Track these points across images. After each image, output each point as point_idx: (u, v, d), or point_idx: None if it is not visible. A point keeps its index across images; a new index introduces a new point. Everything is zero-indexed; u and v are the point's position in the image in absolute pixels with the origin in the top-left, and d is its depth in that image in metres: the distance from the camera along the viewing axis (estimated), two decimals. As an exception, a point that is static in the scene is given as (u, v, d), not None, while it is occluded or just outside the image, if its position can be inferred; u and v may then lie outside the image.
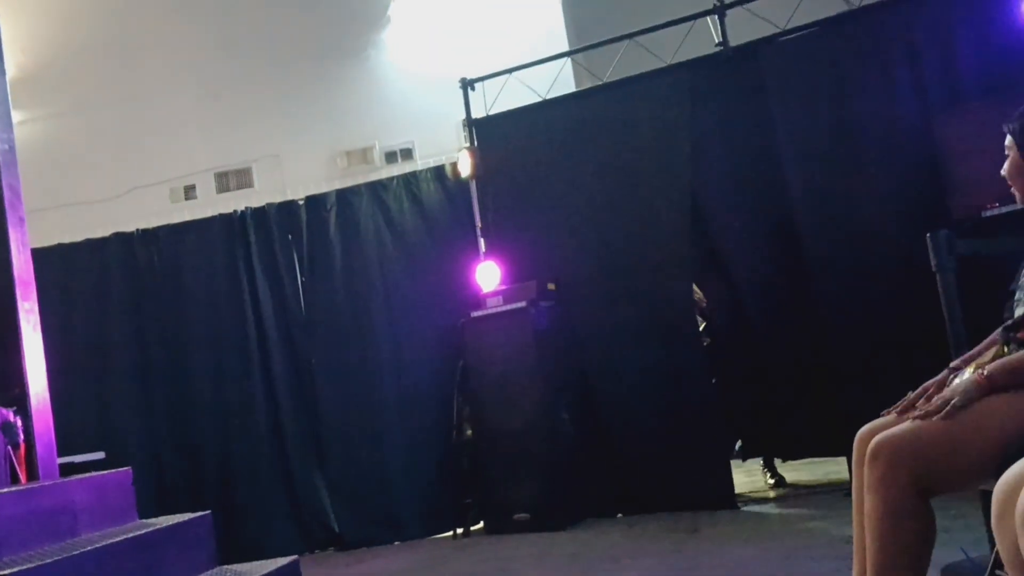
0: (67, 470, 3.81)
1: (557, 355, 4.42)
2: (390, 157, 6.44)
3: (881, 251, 3.91)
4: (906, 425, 1.72)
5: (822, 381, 4.06)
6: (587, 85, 5.08)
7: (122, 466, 4.77)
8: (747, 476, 4.87)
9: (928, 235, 2.27)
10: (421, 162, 6.01)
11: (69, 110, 6.75)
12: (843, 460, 3.94)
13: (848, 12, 4.11)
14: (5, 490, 2.35)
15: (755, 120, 4.29)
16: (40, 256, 5.25)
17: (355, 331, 4.82)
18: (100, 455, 4.65)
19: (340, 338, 4.86)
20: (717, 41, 4.37)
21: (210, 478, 4.77)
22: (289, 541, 4.58)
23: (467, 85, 4.99)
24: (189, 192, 6.68)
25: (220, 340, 4.86)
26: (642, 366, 4.40)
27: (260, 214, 4.99)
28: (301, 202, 4.99)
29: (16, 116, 6.63)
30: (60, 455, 4.58)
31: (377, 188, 4.98)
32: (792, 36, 4.23)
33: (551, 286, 4.53)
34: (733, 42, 4.34)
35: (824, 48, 4.17)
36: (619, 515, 4.35)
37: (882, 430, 1.81)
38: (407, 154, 6.39)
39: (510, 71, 4.93)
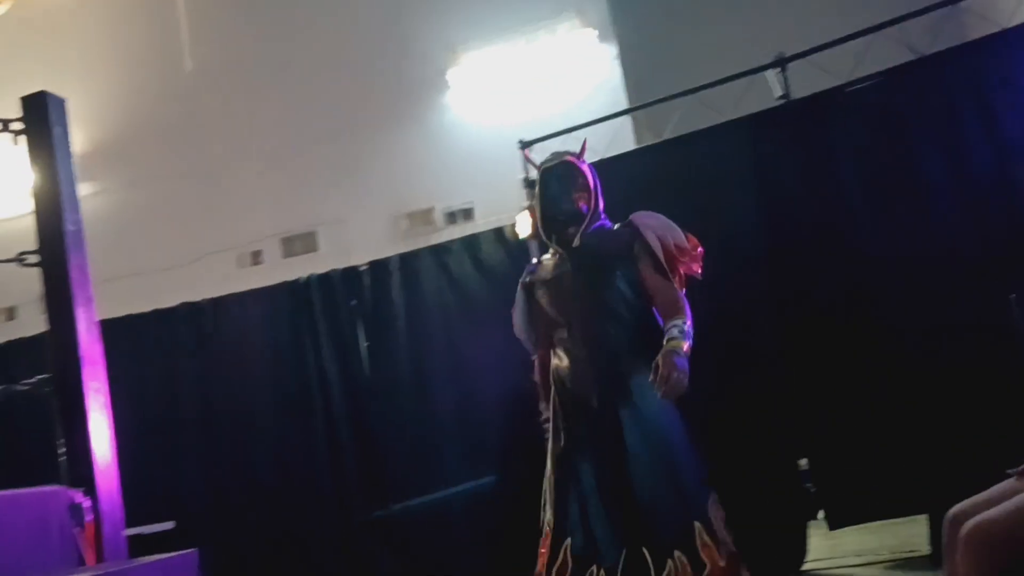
0: (136, 542, 3.83)
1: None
2: (450, 218, 6.48)
3: (958, 312, 3.74)
4: (1003, 508, 1.63)
5: (898, 444, 3.88)
6: (647, 142, 5.05)
7: (191, 535, 4.81)
8: (825, 540, 4.67)
9: (1012, 296, 2.16)
10: (482, 221, 6.03)
11: (141, 181, 6.95)
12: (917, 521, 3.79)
13: (914, 61, 4.00)
14: (71, 574, 2.36)
15: (821, 174, 4.18)
16: (111, 326, 5.40)
17: (419, 393, 4.80)
18: (170, 525, 4.68)
19: (404, 400, 4.84)
20: (779, 94, 4.30)
21: (273, 546, 4.76)
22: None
23: (525, 146, 4.99)
24: (256, 257, 6.79)
25: (285, 405, 4.88)
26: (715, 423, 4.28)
27: (324, 280, 5.03)
28: (364, 267, 5.02)
29: (90, 187, 6.96)
30: (130, 524, 4.64)
31: (439, 251, 4.99)
32: (856, 87, 4.13)
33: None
34: (796, 95, 4.27)
35: (890, 99, 4.05)
36: None
37: (973, 512, 1.71)
38: (467, 214, 6.42)
39: (567, 131, 4.91)
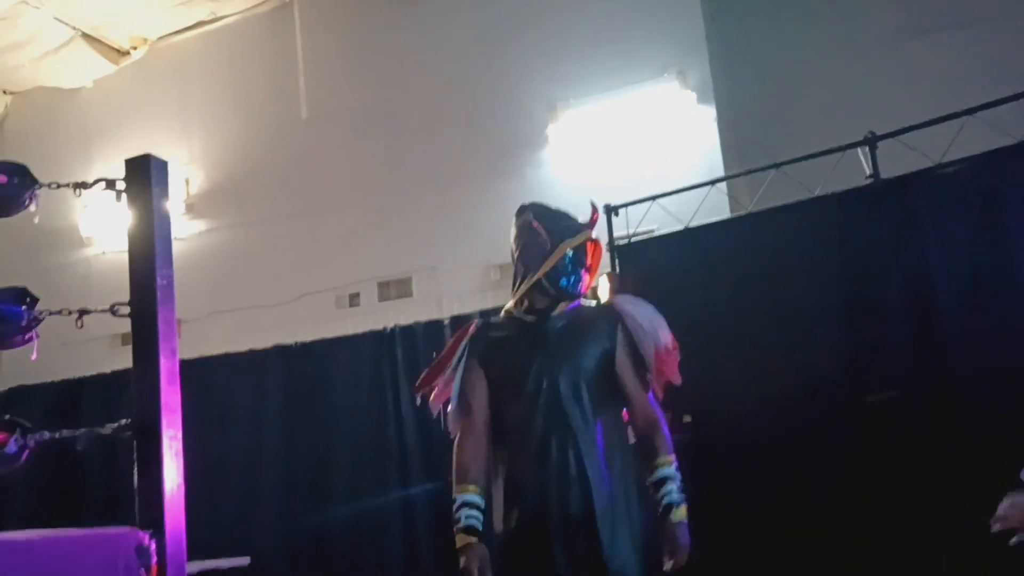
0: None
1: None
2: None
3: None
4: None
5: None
6: (737, 213, 5.02)
7: (267, 571, 5.00)
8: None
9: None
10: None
11: (251, 221, 7.29)
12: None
13: (1009, 147, 3.89)
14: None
15: (907, 256, 4.09)
16: (207, 363, 5.72)
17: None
18: (245, 560, 4.89)
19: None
20: (868, 173, 4.24)
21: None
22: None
23: (611, 211, 5.05)
24: (353, 300, 6.99)
25: (363, 453, 5.03)
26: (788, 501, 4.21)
27: (408, 332, 5.20)
28: (446, 322, 5.16)
29: (205, 225, 7.34)
30: (208, 556, 4.84)
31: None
32: (948, 169, 4.04)
33: (687, 419, 4.42)
34: (884, 174, 4.20)
35: (982, 182, 3.95)
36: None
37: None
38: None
39: (654, 198, 4.96)
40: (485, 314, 5.16)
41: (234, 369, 5.47)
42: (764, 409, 4.34)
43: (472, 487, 2.54)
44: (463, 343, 2.66)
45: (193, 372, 5.54)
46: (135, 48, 7.84)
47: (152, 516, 3.09)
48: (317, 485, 5.05)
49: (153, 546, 3.01)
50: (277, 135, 7.38)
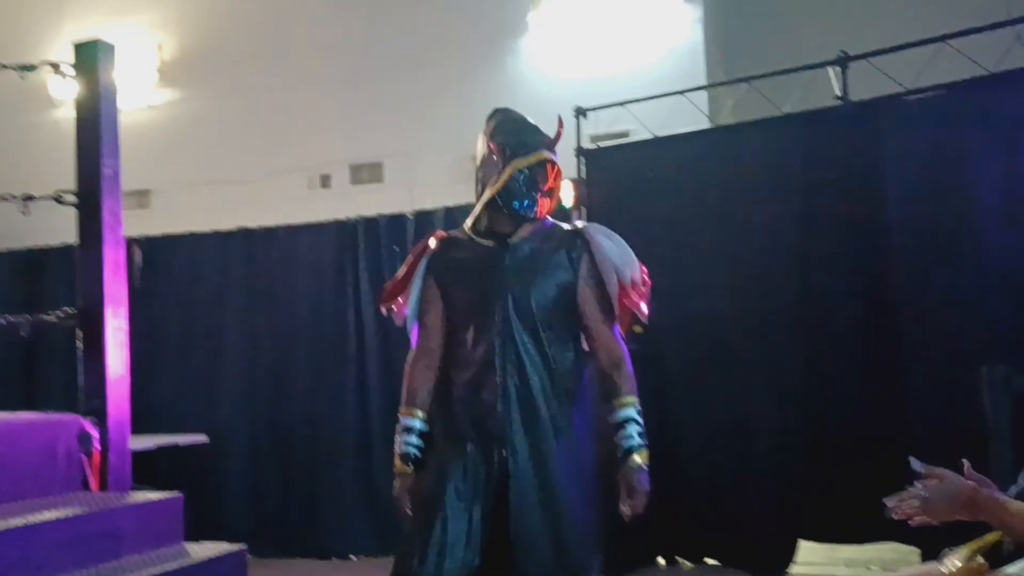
0: (150, 464, 4.11)
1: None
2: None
3: (984, 333, 3.68)
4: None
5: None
6: (704, 126, 4.97)
7: (223, 450, 5.16)
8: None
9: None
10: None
11: (224, 92, 7.13)
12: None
13: (981, 78, 3.83)
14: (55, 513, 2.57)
15: (868, 180, 4.09)
16: (173, 242, 5.73)
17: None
18: (203, 438, 5.03)
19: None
20: (837, 94, 4.18)
21: (298, 470, 5.07)
22: (366, 544, 4.82)
23: (580, 113, 4.98)
24: (325, 181, 6.94)
25: (322, 341, 5.12)
26: (727, 421, 4.35)
27: (371, 224, 5.19)
28: (411, 216, 5.15)
29: (169, 95, 7.20)
30: (170, 431, 4.97)
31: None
32: (917, 96, 3.99)
33: (637, 329, 4.48)
34: (854, 97, 4.15)
35: (949, 112, 3.91)
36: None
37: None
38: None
39: (625, 103, 4.89)
40: (454, 211, 5.17)
41: (199, 249, 5.50)
42: (719, 322, 4.42)
43: (418, 411, 2.46)
44: (422, 261, 2.52)
45: (159, 250, 5.62)
46: (106, -98, 7.49)
47: (95, 404, 3.18)
48: (276, 371, 5.15)
49: (96, 433, 3.11)
50: (251, 4, 7.15)
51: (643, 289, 2.46)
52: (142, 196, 7.07)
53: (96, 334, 3.19)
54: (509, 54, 6.52)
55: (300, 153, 6.89)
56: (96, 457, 3.04)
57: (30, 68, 3.04)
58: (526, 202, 2.42)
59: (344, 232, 5.23)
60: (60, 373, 4.90)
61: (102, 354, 3.18)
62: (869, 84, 4.19)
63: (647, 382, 4.24)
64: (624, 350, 2.45)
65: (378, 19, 6.81)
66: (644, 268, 2.49)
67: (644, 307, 2.46)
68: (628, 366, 2.44)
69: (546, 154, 2.45)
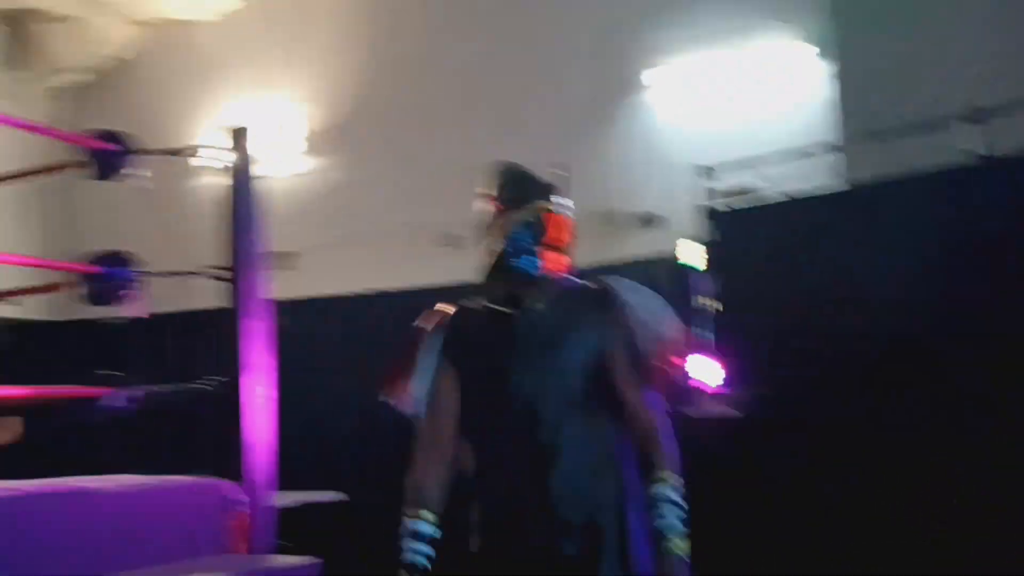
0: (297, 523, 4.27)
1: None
2: (636, 222, 6.46)
3: None
4: None
5: None
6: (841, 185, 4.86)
7: (362, 508, 5.29)
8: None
9: None
10: (665, 232, 6.03)
11: (360, 159, 7.48)
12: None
13: None
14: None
15: (1014, 238, 3.91)
16: (317, 304, 5.99)
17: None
18: (343, 496, 5.17)
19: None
20: (979, 151, 4.03)
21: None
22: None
23: (705, 172, 4.96)
24: (456, 240, 7.10)
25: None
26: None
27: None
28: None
29: (315, 162, 7.56)
30: (311, 488, 5.14)
31: (610, 270, 5.08)
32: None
33: (767, 394, 4.40)
34: (997, 152, 3.99)
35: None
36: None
37: None
38: (654, 221, 6.39)
39: (753, 161, 4.84)
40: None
41: (343, 310, 5.74)
42: (853, 386, 4.26)
43: (427, 512, 2.15)
44: (434, 336, 2.32)
45: (304, 312, 5.89)
46: (260, -15, 8.02)
47: (240, 469, 3.36)
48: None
49: (241, 497, 3.27)
50: (386, 74, 7.48)
51: (681, 347, 2.26)
52: (288, 258, 7.43)
53: (243, 401, 3.36)
54: (626, 114, 6.57)
55: (434, 213, 7.10)
56: (241, 520, 3.19)
57: (190, 153, 3.29)
58: (525, 258, 2.26)
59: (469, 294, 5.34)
60: (207, 436, 5.16)
61: (248, 420, 3.35)
62: (1014, 139, 4.02)
63: (760, 451, 4.17)
64: (658, 418, 2.20)
65: (499, 83, 7.00)
66: (681, 325, 2.29)
67: (682, 367, 2.27)
68: (663, 437, 2.17)
69: (541, 204, 2.34)
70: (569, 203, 2.42)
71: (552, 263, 2.29)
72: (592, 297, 2.26)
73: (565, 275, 2.32)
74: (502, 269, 2.29)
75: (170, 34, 8.47)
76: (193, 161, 7.18)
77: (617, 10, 6.57)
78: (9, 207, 7.89)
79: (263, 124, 7.46)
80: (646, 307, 2.25)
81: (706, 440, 3.99)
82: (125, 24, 8.45)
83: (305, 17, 7.93)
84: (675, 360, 2.24)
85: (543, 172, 2.44)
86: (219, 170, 3.33)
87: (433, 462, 2.20)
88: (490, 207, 2.38)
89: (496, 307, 2.28)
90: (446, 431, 2.22)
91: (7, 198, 7.65)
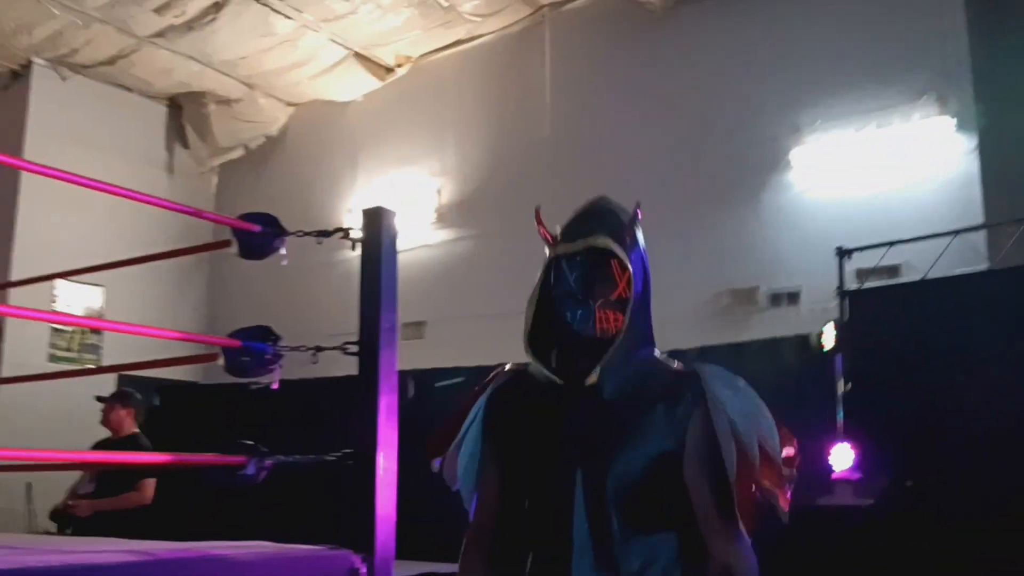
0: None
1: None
2: (774, 300, 6.38)
3: None
4: None
5: None
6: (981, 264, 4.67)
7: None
8: None
9: None
10: (805, 308, 5.92)
11: (492, 232, 7.65)
12: None
13: None
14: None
15: None
16: (443, 375, 6.10)
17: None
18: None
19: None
20: None
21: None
22: None
23: (844, 254, 4.85)
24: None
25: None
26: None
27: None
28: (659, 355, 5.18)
29: (444, 235, 7.77)
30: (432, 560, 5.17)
31: (741, 348, 5.02)
32: None
33: (909, 483, 4.20)
34: None
35: None
36: None
37: None
38: (792, 298, 6.28)
39: (893, 243, 4.71)
40: (708, 352, 5.12)
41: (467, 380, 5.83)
42: (1001, 483, 4.02)
43: None
44: (478, 403, 1.89)
45: (431, 381, 6.01)
46: (400, 65, 8.43)
47: (364, 541, 3.43)
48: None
49: (364, 569, 3.33)
50: (521, 151, 7.68)
51: (785, 470, 1.66)
52: (417, 327, 7.64)
53: (368, 475, 3.43)
54: (770, 191, 6.50)
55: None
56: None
57: (326, 234, 3.47)
58: (578, 312, 1.71)
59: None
60: (332, 506, 5.28)
61: (372, 493, 3.41)
62: None
63: (897, 545, 3.93)
64: (743, 553, 1.64)
65: (637, 160, 7.06)
66: (790, 437, 1.70)
67: (785, 500, 1.66)
68: None
69: (601, 241, 1.73)
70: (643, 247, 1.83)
71: (611, 323, 1.71)
72: (672, 382, 1.71)
73: (638, 345, 1.74)
74: (559, 327, 1.75)
75: (315, 112, 8.96)
76: (338, 238, 7.60)
77: (762, 87, 6.56)
78: (166, 280, 8.44)
79: (398, 197, 7.77)
80: (739, 407, 1.66)
81: (836, 532, 3.83)
82: (280, 105, 9.01)
83: (439, 96, 8.26)
84: (771, 483, 1.64)
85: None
86: (357, 245, 3.47)
87: (474, 557, 1.86)
88: (545, 241, 1.82)
89: (551, 376, 1.72)
90: (487, 520, 1.86)
91: (166, 272, 8.20)
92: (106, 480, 5.38)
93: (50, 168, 3.80)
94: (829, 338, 4.65)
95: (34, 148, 7.91)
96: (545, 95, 7.62)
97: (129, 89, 8.69)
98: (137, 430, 5.59)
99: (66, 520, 5.39)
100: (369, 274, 3.57)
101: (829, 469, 4.42)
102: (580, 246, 1.76)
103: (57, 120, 8.19)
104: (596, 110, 7.37)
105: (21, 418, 6.66)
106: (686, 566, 1.68)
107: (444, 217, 7.93)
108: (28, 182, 7.84)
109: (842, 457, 4.41)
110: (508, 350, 6.52)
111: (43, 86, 8.21)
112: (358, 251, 3.26)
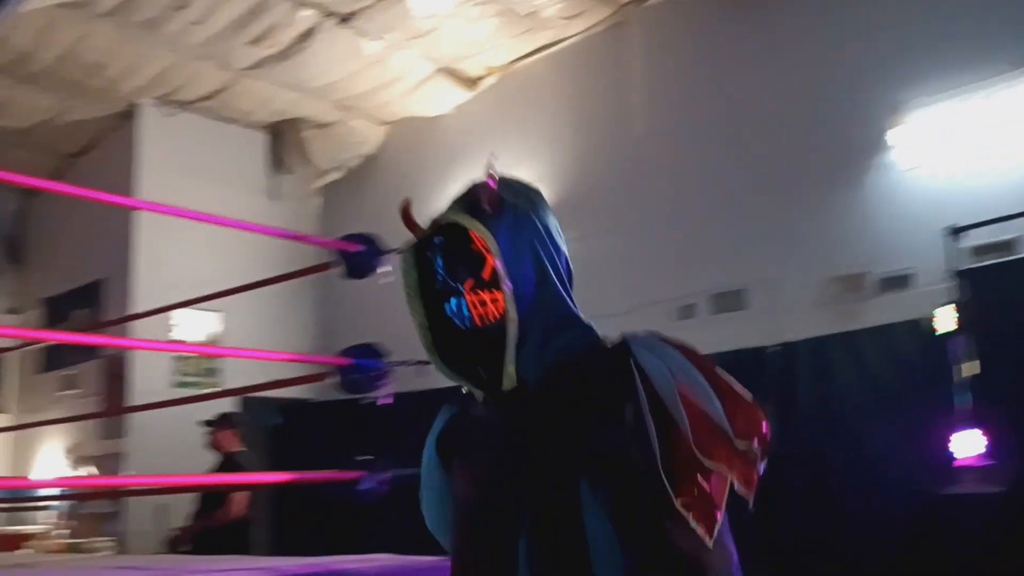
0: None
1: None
2: (884, 284, 6.17)
3: None
4: None
5: None
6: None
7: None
8: None
9: None
10: (916, 291, 5.72)
11: (589, 234, 7.59)
12: None
13: None
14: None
15: None
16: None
17: (818, 487, 4.75)
18: None
19: (801, 485, 4.82)
20: None
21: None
22: None
23: (955, 232, 4.67)
24: (687, 312, 7.07)
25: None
26: None
27: (733, 359, 5.19)
28: (775, 349, 5.09)
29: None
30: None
31: (853, 337, 4.89)
32: None
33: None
34: None
35: None
36: None
37: None
38: (903, 282, 6.07)
39: (1004, 219, 4.52)
40: (823, 342, 4.97)
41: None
42: None
43: None
44: (428, 442, 1.58)
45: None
46: (488, 76, 8.52)
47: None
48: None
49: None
50: (613, 151, 7.66)
51: (739, 442, 1.24)
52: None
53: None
54: (870, 173, 6.31)
55: (662, 286, 7.12)
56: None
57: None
58: (453, 303, 1.42)
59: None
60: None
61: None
62: None
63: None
64: (712, 560, 1.24)
65: (732, 151, 6.96)
66: (743, 400, 1.27)
67: (742, 476, 1.24)
68: None
69: (448, 216, 1.46)
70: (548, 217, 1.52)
71: (487, 309, 1.41)
72: (600, 367, 1.35)
73: (560, 327, 1.43)
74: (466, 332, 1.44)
75: (408, 129, 9.14)
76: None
77: (860, 66, 6.39)
78: (279, 301, 8.73)
79: (496, 207, 7.84)
80: (663, 367, 1.29)
81: (966, 523, 3.69)
82: (373, 125, 9.23)
83: (528, 102, 8.31)
84: (719, 457, 1.23)
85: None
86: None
87: None
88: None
89: (489, 398, 1.44)
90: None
91: (279, 293, 8.47)
92: (204, 499, 5.65)
93: (163, 205, 3.99)
94: (944, 321, 4.48)
95: (145, 185, 8.31)
96: (635, 92, 7.58)
97: (231, 120, 9.02)
98: (239, 449, 5.81)
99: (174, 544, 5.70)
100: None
101: (951, 457, 4.25)
102: (429, 230, 1.48)
103: (165, 156, 8.57)
104: (688, 102, 7.29)
105: (152, 443, 6.99)
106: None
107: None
108: (143, 218, 8.22)
109: (967, 444, 4.25)
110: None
111: (150, 124, 8.60)
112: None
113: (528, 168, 8.06)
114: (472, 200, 1.47)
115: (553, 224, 1.52)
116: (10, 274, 9.90)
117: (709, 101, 7.15)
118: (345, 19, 7.51)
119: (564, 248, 1.52)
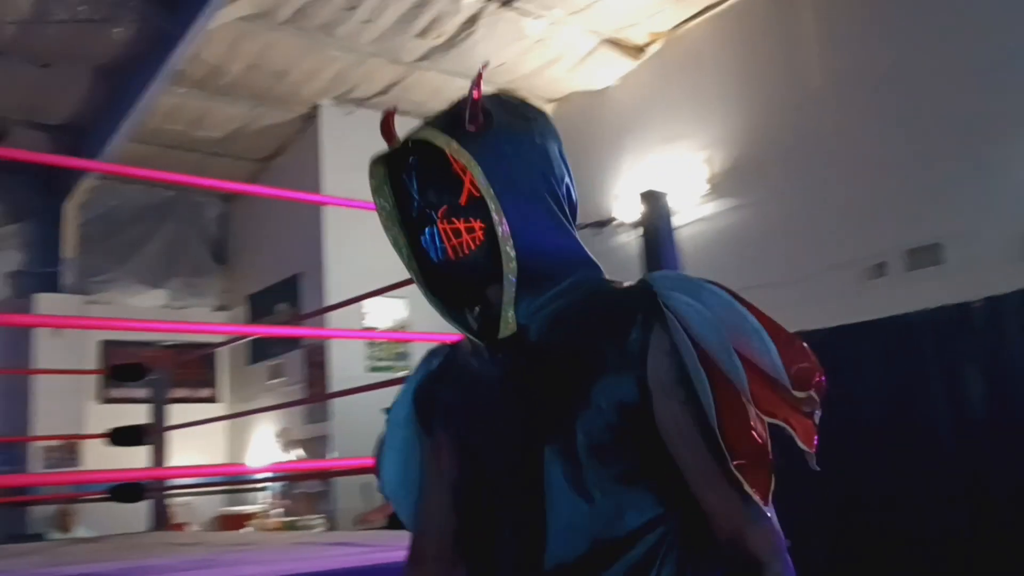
0: None
1: None
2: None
3: None
4: None
5: None
6: None
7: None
8: None
9: None
10: None
11: (770, 196, 7.41)
12: None
13: None
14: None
15: None
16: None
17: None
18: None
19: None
20: None
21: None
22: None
23: None
24: (879, 271, 6.75)
25: (895, 444, 4.93)
26: None
27: (932, 317, 4.92)
28: (978, 304, 4.78)
29: (728, 203, 7.61)
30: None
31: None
32: None
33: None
34: None
35: None
36: None
37: None
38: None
39: None
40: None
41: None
42: None
43: None
44: (402, 395, 1.47)
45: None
46: (652, 43, 8.40)
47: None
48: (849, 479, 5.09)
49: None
50: (786, 109, 7.38)
51: (798, 392, 1.09)
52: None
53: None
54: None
55: (851, 245, 6.82)
56: None
57: (602, 224, 3.57)
58: (426, 231, 1.26)
59: (902, 331, 5.03)
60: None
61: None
62: None
63: None
64: (774, 549, 1.09)
65: (919, 99, 6.55)
66: (798, 346, 1.12)
67: (803, 428, 1.09)
68: (764, 554, 1.08)
69: (422, 133, 1.27)
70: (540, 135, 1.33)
71: (468, 238, 1.22)
72: (617, 305, 1.18)
73: (562, 268, 1.24)
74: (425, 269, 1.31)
75: (575, 104, 9.14)
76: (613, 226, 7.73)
77: None
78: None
79: (666, 175, 7.74)
80: (712, 322, 1.12)
81: None
82: (542, 102, 9.29)
83: (696, 66, 8.12)
84: (775, 407, 1.08)
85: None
86: (635, 229, 3.53)
87: None
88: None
89: (471, 339, 1.29)
90: (431, 545, 1.38)
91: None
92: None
93: (349, 200, 4.18)
94: None
95: (330, 181, 8.73)
96: (808, 45, 7.27)
97: (405, 113, 9.21)
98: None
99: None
100: (651, 256, 3.62)
101: None
102: (398, 147, 1.31)
103: (347, 153, 8.93)
104: (868, 51, 6.90)
105: (353, 425, 7.37)
106: (685, 550, 1.13)
107: (717, 188, 7.79)
108: (331, 214, 8.65)
109: None
110: (801, 317, 6.33)
111: (331, 124, 9.02)
112: (631, 236, 3.32)
113: (700, 133, 7.91)
114: (454, 116, 1.27)
115: (553, 150, 1.31)
116: (217, 274, 10.66)
117: (888, 46, 6.75)
118: (507, 2, 7.59)
119: (568, 178, 1.31)
